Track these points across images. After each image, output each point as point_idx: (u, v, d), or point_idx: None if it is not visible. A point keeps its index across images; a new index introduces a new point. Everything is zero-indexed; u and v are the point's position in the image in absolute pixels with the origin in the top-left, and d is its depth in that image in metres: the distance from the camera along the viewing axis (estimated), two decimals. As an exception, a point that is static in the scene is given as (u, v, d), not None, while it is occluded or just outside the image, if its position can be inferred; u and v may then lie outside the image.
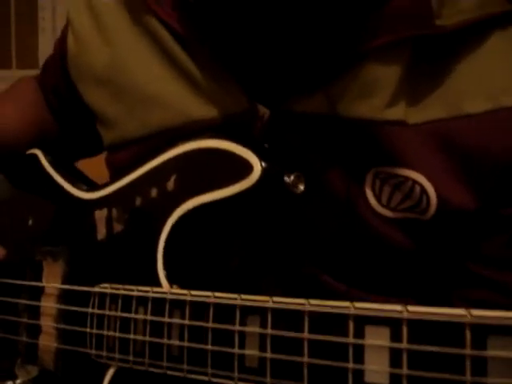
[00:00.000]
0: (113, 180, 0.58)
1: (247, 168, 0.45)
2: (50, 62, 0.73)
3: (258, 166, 0.44)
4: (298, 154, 0.49)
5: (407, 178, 0.47)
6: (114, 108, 0.58)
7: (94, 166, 0.78)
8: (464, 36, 0.46)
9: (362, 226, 0.49)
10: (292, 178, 0.45)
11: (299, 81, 0.48)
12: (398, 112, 0.46)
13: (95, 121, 0.62)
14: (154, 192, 0.52)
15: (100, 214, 0.57)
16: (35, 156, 0.69)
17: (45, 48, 2.24)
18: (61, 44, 0.67)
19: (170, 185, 0.50)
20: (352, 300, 0.49)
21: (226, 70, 0.50)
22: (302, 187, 0.45)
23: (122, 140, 0.57)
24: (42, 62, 2.35)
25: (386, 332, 0.33)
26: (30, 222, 0.67)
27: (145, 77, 0.55)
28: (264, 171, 0.44)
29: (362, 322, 0.34)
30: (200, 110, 0.52)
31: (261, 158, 0.45)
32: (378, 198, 0.48)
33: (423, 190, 0.47)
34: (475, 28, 0.46)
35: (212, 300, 0.43)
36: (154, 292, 0.48)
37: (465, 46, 0.46)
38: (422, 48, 0.46)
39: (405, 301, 0.49)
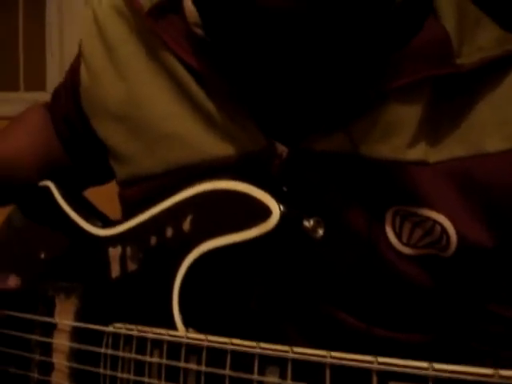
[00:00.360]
0: (127, 217, 0.57)
1: (265, 212, 0.44)
2: (60, 90, 0.72)
3: (276, 210, 0.44)
4: (318, 193, 0.49)
5: (428, 218, 0.47)
6: (129, 144, 0.57)
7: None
8: (483, 73, 0.46)
9: (382, 264, 0.48)
10: (311, 222, 0.44)
11: (319, 119, 0.48)
12: (418, 152, 0.47)
13: (108, 154, 0.62)
14: (169, 232, 0.51)
15: (114, 252, 0.57)
16: (47, 188, 0.69)
17: (53, 70, 2.25)
18: (72, 74, 0.67)
19: (186, 225, 0.50)
20: (372, 338, 0.49)
21: (243, 108, 0.50)
22: (321, 232, 0.45)
23: (137, 176, 0.57)
24: (49, 84, 2.37)
25: (410, 389, 0.33)
26: (43, 255, 0.67)
27: (161, 114, 0.55)
28: (283, 216, 0.44)
29: (386, 377, 0.34)
30: (217, 147, 0.51)
31: (279, 201, 0.44)
32: (399, 236, 0.48)
33: (443, 230, 0.47)
34: (494, 65, 0.46)
35: (230, 347, 0.42)
36: (169, 335, 0.47)
37: (484, 83, 0.47)
38: (442, 86, 0.47)
39: (427, 337, 0.50)
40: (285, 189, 0.47)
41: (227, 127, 0.51)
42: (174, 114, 0.54)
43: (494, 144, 0.46)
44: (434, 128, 0.47)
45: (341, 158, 0.48)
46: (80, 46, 0.64)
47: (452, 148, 0.47)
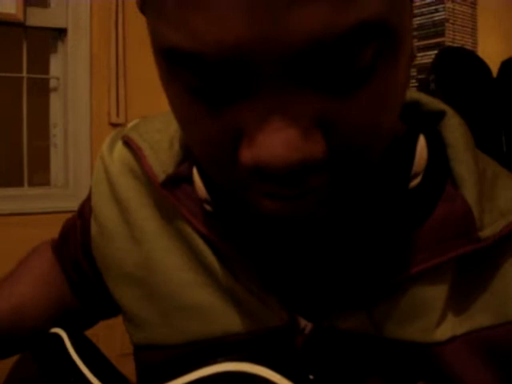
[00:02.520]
0: (143, 380, 0.55)
1: None
2: (70, 232, 0.69)
3: None
4: (342, 371, 0.47)
5: None
6: (145, 310, 0.56)
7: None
8: (506, 239, 0.45)
9: None
10: None
11: (343, 297, 0.47)
12: (446, 331, 0.45)
13: (121, 313, 0.60)
14: None
15: None
16: (59, 337, 0.67)
17: (56, 166, 2.28)
18: (83, 224, 0.65)
19: None
20: None
21: (263, 281, 0.49)
22: None
23: (153, 344, 0.55)
24: (53, 180, 2.38)
25: None
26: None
27: (177, 282, 0.53)
28: None
29: None
30: (237, 323, 0.50)
31: None
32: None
33: None
34: None
35: None
36: None
37: (506, 248, 0.46)
38: (466, 260, 0.46)
39: None
40: (311, 377, 0.45)
41: (247, 301, 0.50)
42: (191, 284, 0.52)
43: None
44: (460, 300, 0.46)
45: (365, 338, 0.46)
46: (90, 197, 0.62)
47: (478, 318, 0.46)
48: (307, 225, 0.40)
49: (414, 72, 1.80)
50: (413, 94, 0.52)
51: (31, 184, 2.25)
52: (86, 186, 2.23)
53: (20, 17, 2.13)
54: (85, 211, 0.65)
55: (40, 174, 2.35)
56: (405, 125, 0.49)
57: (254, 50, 0.30)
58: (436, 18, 1.80)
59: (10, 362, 0.72)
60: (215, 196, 0.49)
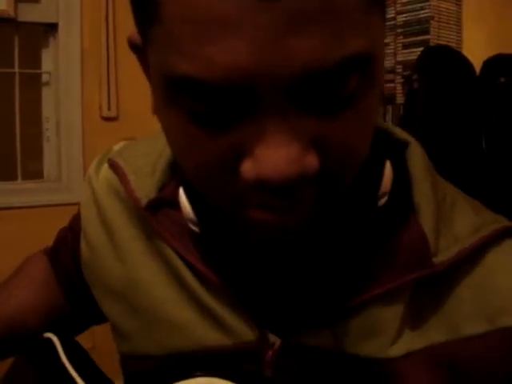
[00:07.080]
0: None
1: None
2: (62, 244, 0.74)
3: None
4: None
5: None
6: (128, 323, 0.60)
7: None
8: (461, 262, 0.49)
9: None
10: None
11: (308, 316, 0.51)
12: (401, 347, 0.49)
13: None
14: None
15: None
16: (50, 341, 0.70)
17: (49, 160, 2.30)
18: (73, 239, 0.68)
19: None
20: None
21: (237, 300, 0.53)
22: None
23: (135, 354, 0.59)
24: (46, 173, 2.38)
25: None
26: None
27: (158, 299, 0.57)
28: None
29: None
30: (213, 337, 0.54)
31: None
32: None
33: None
34: (471, 254, 0.49)
35: None
36: None
37: (461, 269, 0.49)
38: (422, 282, 0.49)
39: None
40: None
41: (222, 317, 0.54)
42: (171, 301, 0.56)
43: (473, 327, 0.49)
44: (416, 319, 0.50)
45: (327, 354, 0.50)
46: (80, 214, 0.66)
47: (433, 335, 0.49)
48: (292, 239, 0.45)
49: (399, 69, 1.84)
50: (382, 124, 0.56)
51: (25, 178, 2.28)
52: (79, 179, 2.26)
53: (11, 12, 2.15)
54: (75, 227, 0.69)
55: (33, 167, 2.37)
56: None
57: (257, 75, 0.35)
58: (421, 16, 1.82)
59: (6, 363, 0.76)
60: (202, 217, 0.52)
